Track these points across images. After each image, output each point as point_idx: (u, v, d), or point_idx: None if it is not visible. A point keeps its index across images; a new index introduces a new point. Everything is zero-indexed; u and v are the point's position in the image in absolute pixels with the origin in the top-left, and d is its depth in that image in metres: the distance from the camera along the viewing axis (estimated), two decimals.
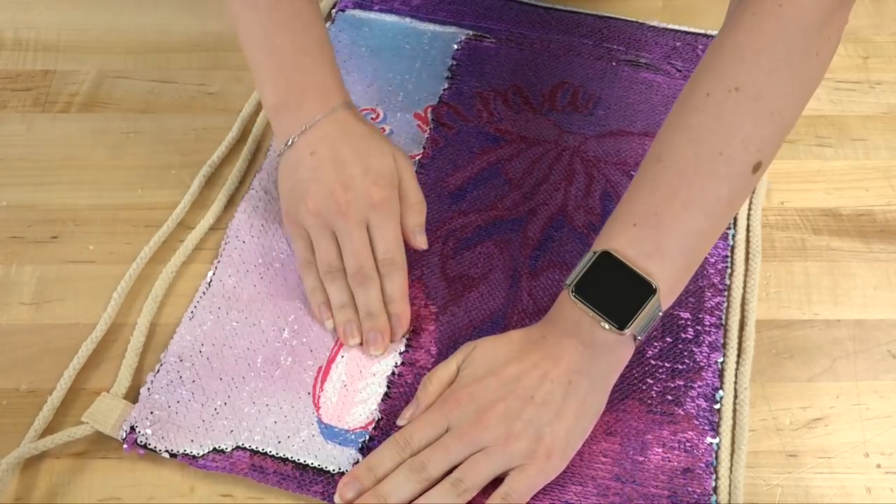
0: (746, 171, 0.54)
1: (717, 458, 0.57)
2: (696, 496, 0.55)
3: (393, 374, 0.60)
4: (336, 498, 0.54)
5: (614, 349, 0.55)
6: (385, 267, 0.60)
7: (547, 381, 0.54)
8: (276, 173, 0.65)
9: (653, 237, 0.53)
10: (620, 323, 0.53)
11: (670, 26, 0.80)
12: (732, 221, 0.67)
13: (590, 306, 0.54)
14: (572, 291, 0.54)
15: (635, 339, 0.54)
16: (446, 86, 0.76)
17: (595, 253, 0.55)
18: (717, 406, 0.59)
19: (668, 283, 0.54)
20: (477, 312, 0.63)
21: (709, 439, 0.57)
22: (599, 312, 0.53)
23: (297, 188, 0.62)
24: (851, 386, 0.61)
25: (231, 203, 0.70)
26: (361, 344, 0.61)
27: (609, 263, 0.54)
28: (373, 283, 0.60)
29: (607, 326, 0.53)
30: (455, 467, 0.53)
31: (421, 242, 0.63)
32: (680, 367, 0.60)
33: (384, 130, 0.74)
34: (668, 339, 0.62)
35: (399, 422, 0.57)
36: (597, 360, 0.54)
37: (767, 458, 0.58)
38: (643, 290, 0.53)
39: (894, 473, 0.57)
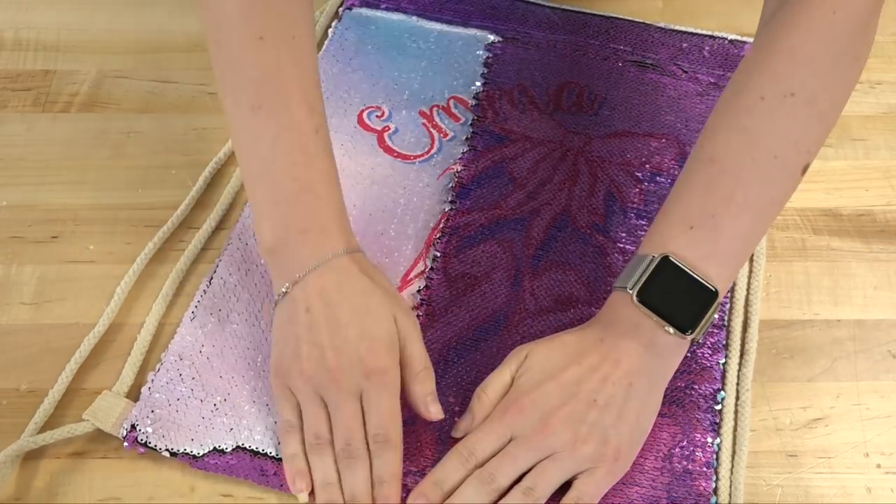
0: (797, 172, 0.55)
1: (717, 459, 0.57)
2: (695, 497, 0.55)
3: None
4: None
5: (674, 351, 0.55)
6: (376, 444, 0.54)
7: (608, 384, 0.54)
8: (274, 317, 0.58)
9: (710, 240, 0.54)
10: (684, 328, 0.53)
11: (677, 27, 0.80)
12: None
13: (653, 312, 0.54)
14: (636, 297, 0.54)
15: (693, 341, 0.55)
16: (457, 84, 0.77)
17: (654, 257, 0.54)
18: (718, 407, 0.59)
19: (724, 284, 0.55)
20: (479, 311, 0.63)
21: (709, 440, 0.57)
22: (663, 317, 0.53)
23: (291, 346, 0.55)
24: (851, 386, 0.61)
25: (235, 203, 0.70)
26: None
27: (669, 268, 0.54)
28: (361, 462, 0.54)
29: (672, 331, 0.53)
30: (522, 476, 0.53)
31: (435, 413, 0.55)
32: (681, 367, 0.60)
33: (389, 129, 0.74)
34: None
35: (454, 434, 0.56)
36: (656, 362, 0.55)
37: (767, 458, 0.58)
38: (705, 294, 0.54)
39: (894, 473, 0.57)
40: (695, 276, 0.53)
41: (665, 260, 0.54)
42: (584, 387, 0.54)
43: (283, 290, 0.56)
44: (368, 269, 0.57)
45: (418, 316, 0.63)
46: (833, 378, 0.61)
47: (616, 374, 0.54)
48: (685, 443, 0.57)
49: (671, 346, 0.55)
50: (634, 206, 0.68)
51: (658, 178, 0.70)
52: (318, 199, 0.56)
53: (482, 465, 0.53)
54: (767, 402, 0.60)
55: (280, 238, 0.56)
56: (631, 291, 0.54)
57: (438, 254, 0.66)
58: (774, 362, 0.62)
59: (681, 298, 0.53)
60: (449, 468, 0.54)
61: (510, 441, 0.54)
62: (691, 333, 0.54)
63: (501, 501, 0.53)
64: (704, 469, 0.56)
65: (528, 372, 0.55)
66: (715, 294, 0.53)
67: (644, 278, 0.54)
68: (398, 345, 0.56)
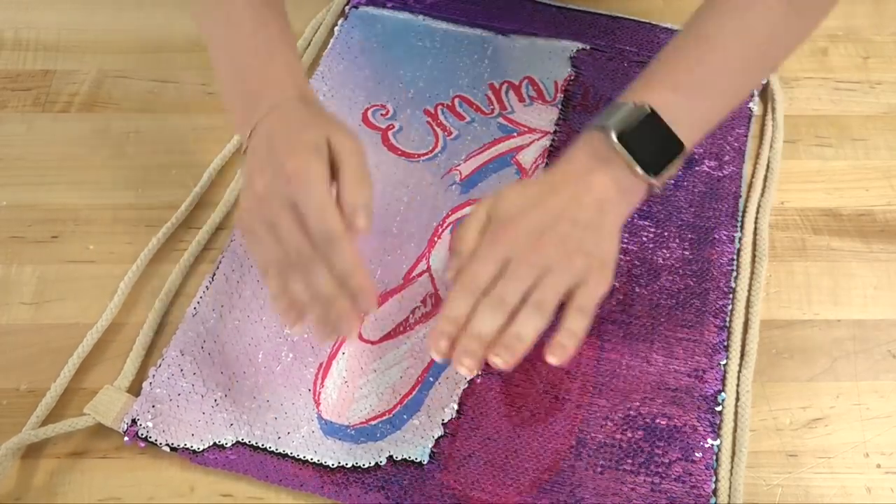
0: (776, 66, 0.65)
1: (717, 460, 0.57)
2: (695, 498, 0.55)
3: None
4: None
5: (635, 192, 0.58)
6: (321, 244, 0.53)
7: (584, 207, 0.57)
8: None
9: (690, 107, 0.59)
10: (650, 171, 0.57)
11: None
12: (739, 224, 0.68)
13: (629, 152, 0.57)
14: (616, 136, 0.57)
15: (652, 187, 0.58)
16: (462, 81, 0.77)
17: (638, 106, 0.57)
18: (718, 409, 0.59)
19: (691, 144, 0.59)
20: None
21: (710, 441, 0.58)
22: (636, 159, 0.57)
23: (245, 180, 0.57)
24: (851, 386, 0.61)
25: (236, 203, 0.70)
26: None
27: (650, 120, 0.57)
28: (315, 264, 0.53)
29: (640, 172, 0.57)
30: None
31: (362, 225, 0.54)
32: (682, 368, 0.60)
33: (393, 127, 0.74)
34: (671, 340, 0.62)
35: (449, 275, 0.57)
36: (621, 196, 0.58)
37: (767, 458, 0.58)
38: (675, 148, 0.58)
39: (894, 473, 0.57)
40: (672, 132, 0.57)
41: (651, 112, 0.57)
42: (566, 212, 0.56)
43: (243, 149, 0.59)
44: (317, 106, 0.60)
45: (425, 306, 0.63)
46: (833, 378, 0.61)
47: (589, 199, 0.57)
48: (685, 444, 0.57)
49: (634, 188, 0.58)
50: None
51: None
52: (267, 60, 0.60)
53: (487, 292, 0.55)
54: (767, 402, 0.60)
55: (240, 100, 0.60)
56: (613, 132, 0.57)
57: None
58: (774, 362, 0.62)
59: (654, 147, 0.58)
60: (458, 302, 0.55)
61: (507, 265, 0.55)
62: (655, 178, 0.57)
63: (518, 319, 0.54)
64: (704, 470, 0.56)
65: (505, 203, 0.57)
66: (682, 149, 0.58)
67: (626, 122, 0.57)
68: (326, 152, 0.55)
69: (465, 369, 0.53)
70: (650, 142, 0.57)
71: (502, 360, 0.53)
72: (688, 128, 0.58)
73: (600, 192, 0.57)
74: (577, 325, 0.55)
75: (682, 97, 0.58)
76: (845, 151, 0.73)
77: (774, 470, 0.57)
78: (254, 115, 0.58)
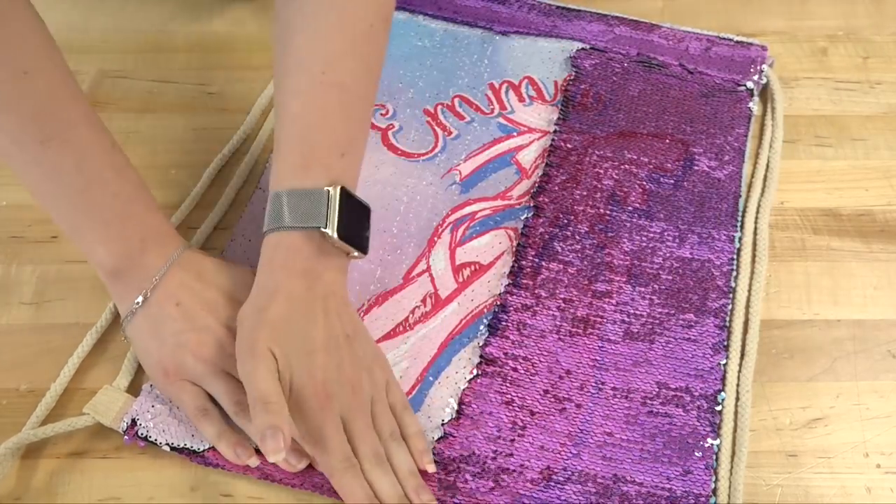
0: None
1: (717, 460, 0.57)
2: (695, 498, 0.55)
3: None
4: None
5: (334, 253, 0.58)
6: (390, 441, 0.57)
7: (340, 314, 0.57)
8: (130, 334, 0.59)
9: (357, 159, 0.60)
10: (366, 248, 0.59)
11: (684, 28, 0.80)
12: (739, 223, 0.67)
13: (348, 243, 0.57)
14: (337, 236, 0.56)
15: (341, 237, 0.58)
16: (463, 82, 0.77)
17: (328, 190, 0.57)
18: (718, 408, 0.59)
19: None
20: (481, 301, 0.64)
21: (709, 441, 0.57)
22: (354, 245, 0.58)
23: (170, 343, 0.57)
24: (851, 386, 0.61)
25: (235, 203, 0.70)
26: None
27: (349, 199, 0.58)
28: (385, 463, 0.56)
29: (356, 254, 0.58)
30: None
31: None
32: (683, 369, 0.60)
33: (393, 127, 0.74)
34: (671, 340, 0.62)
35: (274, 458, 0.51)
36: (345, 283, 0.59)
37: (767, 458, 0.58)
38: (367, 213, 0.60)
39: (894, 473, 0.57)
40: (360, 199, 0.59)
41: (344, 191, 0.57)
42: (337, 337, 0.56)
43: (139, 300, 0.58)
44: (208, 255, 0.61)
45: (424, 306, 0.64)
46: (833, 378, 0.61)
47: (338, 307, 0.57)
48: (685, 444, 0.57)
49: (350, 268, 0.61)
50: (637, 206, 0.68)
51: (661, 178, 0.70)
52: (144, 207, 0.59)
53: (355, 455, 0.54)
54: (767, 402, 0.60)
55: (121, 254, 0.57)
56: (326, 230, 0.56)
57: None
58: (774, 362, 0.62)
59: (358, 223, 0.59)
60: (359, 482, 0.53)
61: (345, 426, 0.55)
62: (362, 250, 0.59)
63: (393, 458, 0.55)
64: (704, 470, 0.56)
65: (288, 361, 0.55)
66: (370, 210, 0.60)
67: (335, 215, 0.56)
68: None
69: None
70: (354, 217, 0.58)
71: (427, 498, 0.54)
72: (355, 179, 0.60)
73: (333, 286, 0.57)
74: (412, 424, 0.57)
75: (350, 158, 0.59)
76: (845, 151, 0.73)
77: (774, 470, 0.57)
78: (145, 270, 0.58)
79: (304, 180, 0.57)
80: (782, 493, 0.56)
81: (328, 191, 0.56)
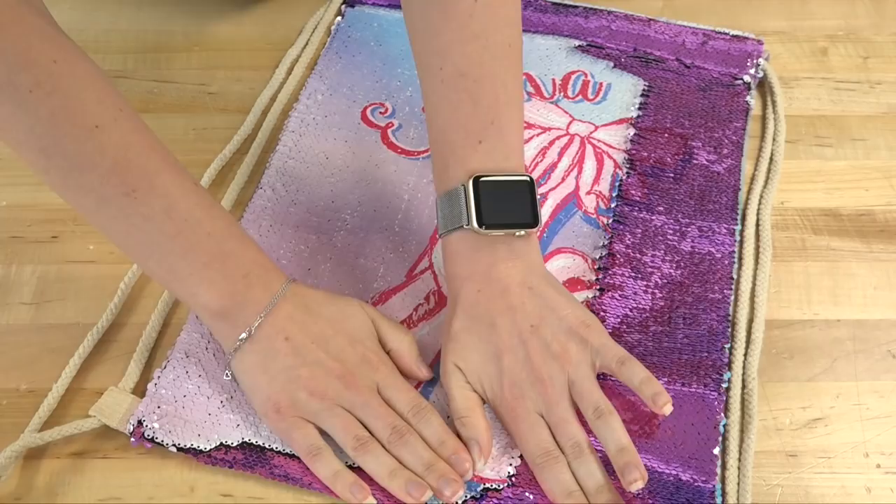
0: (521, 45, 0.62)
1: (720, 459, 0.57)
2: (696, 495, 0.55)
3: None
4: None
5: (532, 244, 0.59)
6: (416, 416, 0.56)
7: (525, 309, 0.57)
8: (237, 370, 0.58)
9: (500, 142, 0.58)
10: (531, 224, 0.58)
11: (680, 23, 0.80)
12: (740, 217, 0.68)
13: (501, 228, 0.57)
14: (483, 227, 0.56)
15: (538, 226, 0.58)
16: None
17: (464, 186, 0.57)
18: (724, 385, 0.59)
19: (523, 165, 0.60)
20: None
21: (714, 439, 0.57)
22: (511, 227, 0.57)
23: (280, 379, 0.56)
24: (851, 386, 0.61)
25: (236, 203, 0.70)
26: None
27: (485, 185, 0.57)
28: (413, 436, 0.55)
29: (522, 232, 0.57)
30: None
31: (426, 373, 0.59)
32: (684, 370, 0.60)
33: (392, 125, 0.74)
34: (674, 333, 0.62)
35: (479, 467, 0.55)
36: (524, 262, 0.58)
37: (767, 458, 0.58)
38: (523, 185, 0.58)
39: (894, 473, 0.57)
40: (508, 178, 0.58)
41: (477, 180, 0.57)
42: (521, 332, 0.56)
43: (244, 335, 0.56)
44: (312, 287, 0.60)
45: (428, 303, 0.64)
46: (833, 378, 0.61)
47: (519, 297, 0.57)
48: (685, 443, 0.57)
49: (528, 242, 0.59)
50: (637, 199, 0.68)
51: (661, 172, 0.70)
52: (239, 242, 0.57)
53: (559, 449, 0.55)
54: (767, 402, 0.60)
55: (225, 293, 0.56)
56: (469, 227, 0.56)
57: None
58: (774, 362, 0.62)
59: (511, 202, 0.57)
60: (556, 476, 0.54)
61: (544, 419, 0.56)
62: (540, 222, 0.58)
63: (606, 430, 0.55)
64: (706, 470, 0.56)
65: (479, 374, 0.57)
66: (530, 180, 0.58)
67: (472, 208, 0.56)
68: (375, 330, 0.60)
69: None
70: (505, 201, 0.57)
71: (641, 479, 0.53)
72: (515, 159, 0.59)
73: (515, 280, 0.57)
74: (638, 374, 0.56)
75: (489, 143, 0.58)
76: (845, 151, 0.73)
77: (774, 470, 0.57)
78: (251, 306, 0.56)
79: (447, 182, 0.58)
80: (782, 493, 0.56)
81: (462, 186, 0.57)
